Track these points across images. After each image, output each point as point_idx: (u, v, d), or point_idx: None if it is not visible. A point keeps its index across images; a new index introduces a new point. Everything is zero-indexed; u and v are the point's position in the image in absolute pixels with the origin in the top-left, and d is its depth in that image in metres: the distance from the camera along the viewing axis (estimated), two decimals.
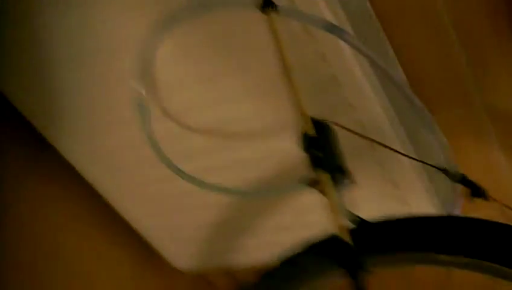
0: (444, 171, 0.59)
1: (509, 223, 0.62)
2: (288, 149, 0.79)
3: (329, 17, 0.67)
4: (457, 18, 0.86)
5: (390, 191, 0.81)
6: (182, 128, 0.83)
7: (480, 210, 0.66)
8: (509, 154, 1.03)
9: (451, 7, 0.85)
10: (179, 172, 0.81)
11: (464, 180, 0.59)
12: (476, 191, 0.59)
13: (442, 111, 0.98)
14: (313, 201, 0.60)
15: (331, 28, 0.64)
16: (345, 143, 0.62)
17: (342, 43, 0.67)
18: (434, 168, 0.61)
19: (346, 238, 0.58)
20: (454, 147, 1.03)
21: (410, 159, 0.75)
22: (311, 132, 0.58)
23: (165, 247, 1.11)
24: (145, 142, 0.81)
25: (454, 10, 0.85)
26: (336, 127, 0.62)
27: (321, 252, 0.60)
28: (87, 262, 1.09)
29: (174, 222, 1.03)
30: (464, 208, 0.79)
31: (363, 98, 0.72)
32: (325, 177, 0.57)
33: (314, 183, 0.59)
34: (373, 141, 0.65)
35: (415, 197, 0.80)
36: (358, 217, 0.61)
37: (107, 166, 0.94)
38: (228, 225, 1.00)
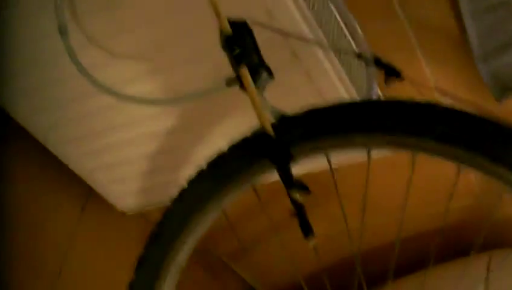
0: (358, 55, 0.62)
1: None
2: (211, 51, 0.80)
3: None
4: None
5: (305, 83, 0.83)
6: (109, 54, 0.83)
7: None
8: (429, 57, 1.07)
9: None
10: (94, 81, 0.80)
11: (377, 62, 0.61)
12: (390, 71, 0.61)
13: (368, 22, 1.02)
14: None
15: None
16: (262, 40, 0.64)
17: None
18: (348, 56, 0.64)
19: (268, 129, 0.61)
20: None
21: (324, 50, 0.76)
22: (228, 30, 0.60)
23: (106, 188, 1.11)
24: (74, 74, 0.80)
25: None
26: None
27: (245, 147, 0.63)
28: (32, 212, 1.09)
29: (112, 160, 1.03)
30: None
31: None
32: (243, 72, 0.59)
33: (235, 81, 0.62)
34: (283, 32, 0.67)
35: (330, 88, 0.82)
36: (279, 110, 0.64)
37: (36, 105, 0.93)
38: (164, 157, 1.01)
